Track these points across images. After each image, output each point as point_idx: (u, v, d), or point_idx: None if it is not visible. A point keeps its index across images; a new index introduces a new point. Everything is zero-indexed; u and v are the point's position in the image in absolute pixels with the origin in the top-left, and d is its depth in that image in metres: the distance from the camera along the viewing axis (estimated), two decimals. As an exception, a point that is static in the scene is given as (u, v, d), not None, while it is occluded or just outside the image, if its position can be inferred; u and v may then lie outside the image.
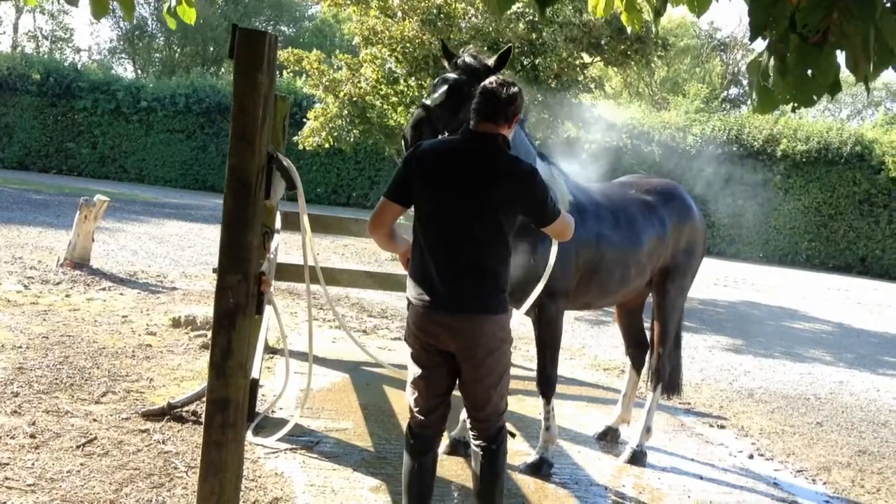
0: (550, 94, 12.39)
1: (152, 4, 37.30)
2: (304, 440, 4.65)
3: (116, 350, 5.99)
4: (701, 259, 5.40)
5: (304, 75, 14.73)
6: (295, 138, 13.24)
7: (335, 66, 13.67)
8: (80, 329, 6.46)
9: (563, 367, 6.67)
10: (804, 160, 23.37)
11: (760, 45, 2.26)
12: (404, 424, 5.15)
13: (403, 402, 5.61)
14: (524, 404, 5.81)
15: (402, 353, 7.15)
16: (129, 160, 25.72)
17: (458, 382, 3.31)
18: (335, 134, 13.04)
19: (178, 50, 40.27)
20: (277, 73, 2.95)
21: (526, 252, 4.27)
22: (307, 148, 13.36)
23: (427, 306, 3.16)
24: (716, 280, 16.64)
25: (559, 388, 4.89)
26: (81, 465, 3.88)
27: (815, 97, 2.14)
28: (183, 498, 3.68)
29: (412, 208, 3.31)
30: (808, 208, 23.50)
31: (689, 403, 6.73)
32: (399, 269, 13.01)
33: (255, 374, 4.76)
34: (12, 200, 15.70)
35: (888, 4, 2.02)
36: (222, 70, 36.28)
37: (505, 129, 3.26)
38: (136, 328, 6.78)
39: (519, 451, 4.81)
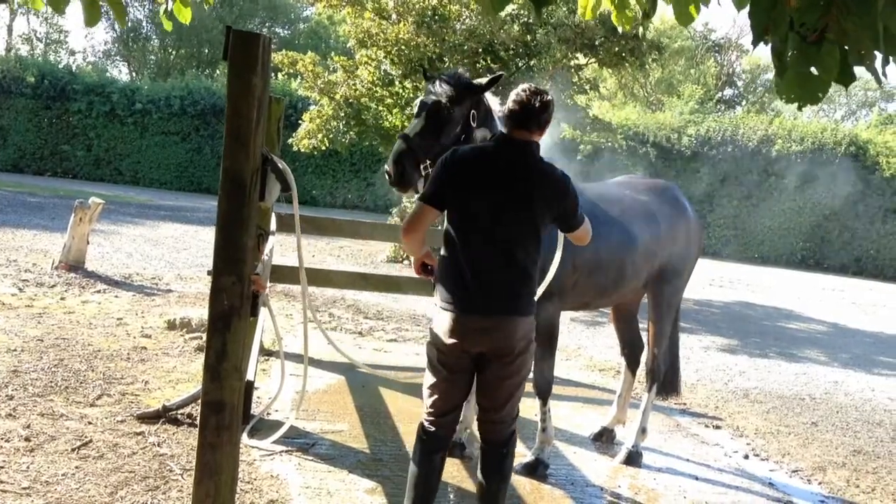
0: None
1: (147, 7, 37.25)
2: (300, 442, 4.64)
3: (111, 353, 5.98)
4: (696, 259, 5.41)
5: (299, 77, 14.71)
6: (290, 140, 13.23)
7: (330, 69, 13.66)
8: (74, 332, 6.44)
9: (559, 368, 6.66)
10: (799, 161, 23.45)
11: (761, 47, 2.27)
12: (400, 426, 5.17)
13: (399, 404, 5.63)
14: (521, 405, 5.80)
15: (397, 354, 7.17)
16: (124, 162, 25.68)
17: (477, 384, 3.35)
18: (331, 136, 13.03)
19: (173, 52, 40.19)
20: (272, 75, 2.93)
21: None
22: (302, 150, 13.35)
23: (462, 310, 3.20)
24: (711, 280, 16.68)
25: (555, 389, 4.90)
26: (76, 468, 3.87)
27: (820, 94, 2.14)
28: (178, 501, 3.67)
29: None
30: (803, 209, 23.57)
31: (684, 404, 6.74)
32: (394, 270, 13.04)
33: (250, 376, 4.76)
34: (7, 203, 15.66)
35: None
36: (217, 72, 36.22)
37: (537, 136, 3.34)
38: (131, 331, 6.77)
39: (516, 452, 4.80)
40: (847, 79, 2.15)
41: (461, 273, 3.22)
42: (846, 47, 2.09)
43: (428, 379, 3.37)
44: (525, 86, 3.41)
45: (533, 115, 3.28)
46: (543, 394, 4.62)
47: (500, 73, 4.62)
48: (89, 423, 4.49)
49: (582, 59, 13.31)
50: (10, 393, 4.77)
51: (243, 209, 2.73)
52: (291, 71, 13.81)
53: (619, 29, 3.72)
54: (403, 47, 11.76)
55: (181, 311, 7.45)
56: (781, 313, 13.52)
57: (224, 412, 2.76)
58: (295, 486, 4.03)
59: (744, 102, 39.32)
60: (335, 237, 14.35)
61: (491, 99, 4.28)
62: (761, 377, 8.28)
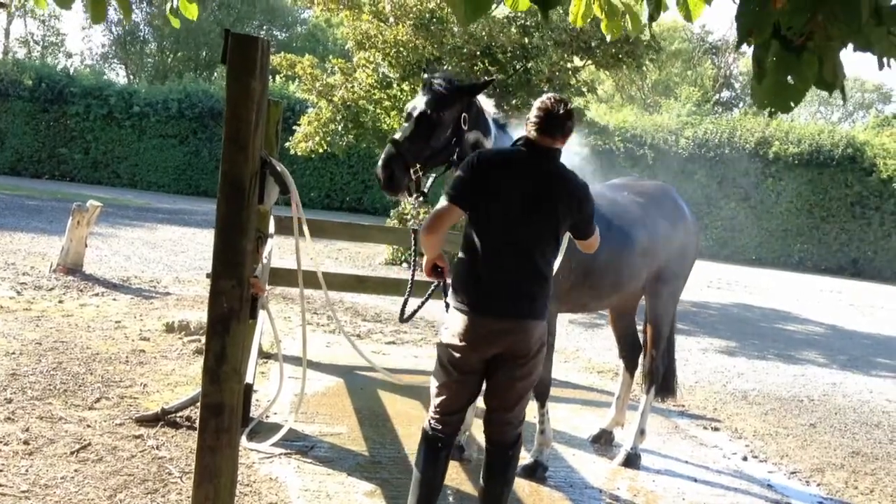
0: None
1: (144, 10, 37.25)
2: (299, 445, 4.64)
3: (110, 356, 5.97)
4: (693, 261, 5.42)
5: (297, 80, 14.71)
6: (287, 143, 13.23)
7: (329, 71, 13.66)
8: (73, 335, 6.44)
9: (557, 371, 6.68)
10: (796, 162, 23.49)
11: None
12: (399, 429, 5.17)
13: (398, 407, 5.63)
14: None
15: (396, 357, 7.17)
16: (122, 165, 25.66)
17: (488, 384, 3.38)
18: (329, 139, 13.04)
19: (171, 55, 40.18)
20: (270, 77, 2.94)
21: None
22: (300, 153, 13.34)
23: (477, 312, 3.22)
24: (709, 282, 16.69)
25: (553, 392, 4.91)
26: (75, 471, 3.87)
27: (792, 103, 2.15)
28: (177, 503, 3.68)
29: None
30: (801, 210, 23.61)
31: (682, 406, 6.75)
32: (392, 273, 13.03)
33: (249, 378, 4.75)
34: (5, 206, 15.65)
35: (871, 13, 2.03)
36: (215, 75, 36.24)
37: (560, 143, 3.39)
38: (130, 334, 6.77)
39: (513, 454, 4.81)
40: (833, 86, 2.16)
41: (478, 274, 3.26)
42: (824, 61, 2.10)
43: (437, 378, 3.39)
44: (549, 94, 3.46)
45: (557, 122, 3.33)
46: (541, 396, 4.62)
47: (493, 76, 4.64)
48: (88, 426, 4.49)
49: (579, 62, 13.33)
50: (9, 396, 4.76)
51: (242, 212, 2.73)
52: (290, 73, 13.82)
53: (607, 36, 3.76)
54: (401, 49, 11.77)
55: (179, 314, 7.45)
56: (779, 315, 13.54)
57: (223, 415, 2.77)
58: (294, 489, 4.03)
59: (741, 104, 39.38)
60: (333, 239, 14.33)
61: (484, 101, 4.29)
62: (759, 379, 8.29)
